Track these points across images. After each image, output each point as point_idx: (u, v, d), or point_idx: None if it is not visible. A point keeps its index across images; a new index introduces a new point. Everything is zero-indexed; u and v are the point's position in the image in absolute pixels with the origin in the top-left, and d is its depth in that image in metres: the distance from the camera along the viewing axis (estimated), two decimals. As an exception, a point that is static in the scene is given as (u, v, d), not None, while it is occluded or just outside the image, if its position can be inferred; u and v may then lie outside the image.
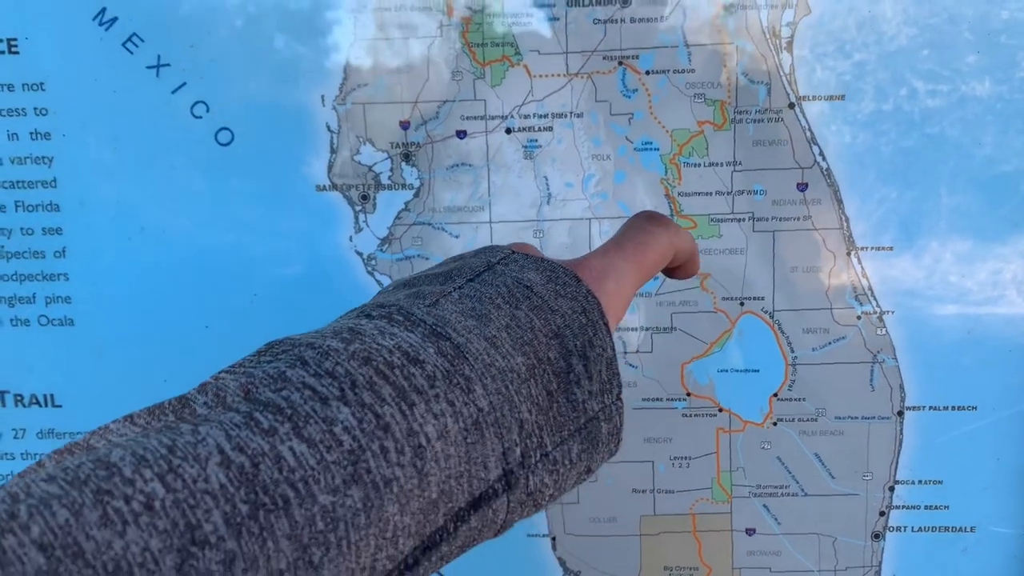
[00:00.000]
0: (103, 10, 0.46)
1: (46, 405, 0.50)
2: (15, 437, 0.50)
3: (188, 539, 0.20)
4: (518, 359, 0.27)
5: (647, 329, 0.48)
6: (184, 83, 0.47)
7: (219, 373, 0.26)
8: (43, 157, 0.48)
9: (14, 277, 0.49)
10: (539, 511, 0.30)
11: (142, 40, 0.46)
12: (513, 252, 0.32)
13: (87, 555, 0.19)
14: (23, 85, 0.47)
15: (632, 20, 0.45)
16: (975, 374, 0.47)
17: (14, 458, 0.51)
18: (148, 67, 0.47)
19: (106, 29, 0.46)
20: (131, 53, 0.47)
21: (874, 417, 0.48)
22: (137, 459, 0.21)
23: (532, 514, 0.29)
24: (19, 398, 0.50)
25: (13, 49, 0.47)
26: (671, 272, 0.38)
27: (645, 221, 0.35)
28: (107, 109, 0.47)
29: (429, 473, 0.24)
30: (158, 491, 0.21)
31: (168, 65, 0.47)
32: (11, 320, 0.49)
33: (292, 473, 0.22)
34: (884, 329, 0.47)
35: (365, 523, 0.23)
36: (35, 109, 0.47)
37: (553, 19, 0.45)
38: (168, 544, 0.20)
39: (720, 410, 0.48)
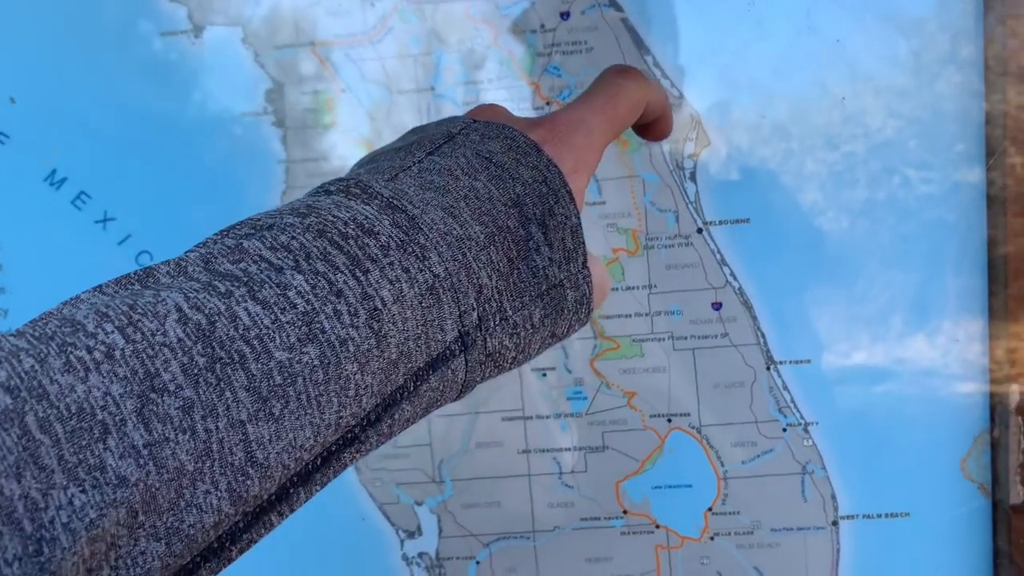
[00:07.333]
0: (53, 171, 0.49)
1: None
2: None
3: (148, 386, 0.22)
4: (476, 228, 0.29)
5: (580, 449, 0.49)
6: (129, 235, 0.50)
7: (185, 252, 0.27)
8: (-2, 310, 0.50)
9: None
10: (502, 372, 0.31)
11: (89, 197, 0.49)
12: (475, 121, 0.33)
13: (51, 397, 0.21)
14: (-22, 244, 0.50)
15: (543, 159, 0.48)
16: (906, 478, 0.48)
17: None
18: (96, 222, 0.50)
19: (56, 189, 0.49)
20: (79, 209, 0.50)
21: (809, 528, 0.48)
22: (100, 315, 0.23)
23: (495, 375, 0.31)
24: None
25: (-30, 211, 0.50)
26: (644, 131, 0.38)
27: (615, 74, 0.35)
28: (56, 262, 0.50)
29: (387, 335, 0.26)
30: (118, 342, 0.22)
31: (114, 219, 0.50)
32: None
33: (247, 331, 0.24)
34: (810, 440, 0.48)
35: (323, 379, 0.25)
36: (-10, 266, 0.50)
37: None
38: (128, 390, 0.22)
39: (657, 527, 0.49)
